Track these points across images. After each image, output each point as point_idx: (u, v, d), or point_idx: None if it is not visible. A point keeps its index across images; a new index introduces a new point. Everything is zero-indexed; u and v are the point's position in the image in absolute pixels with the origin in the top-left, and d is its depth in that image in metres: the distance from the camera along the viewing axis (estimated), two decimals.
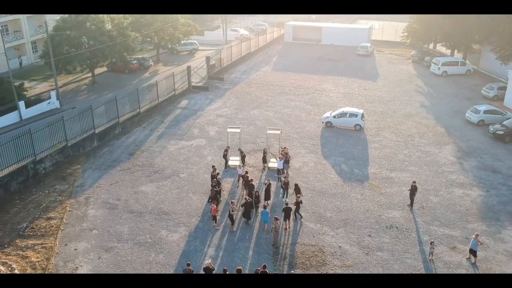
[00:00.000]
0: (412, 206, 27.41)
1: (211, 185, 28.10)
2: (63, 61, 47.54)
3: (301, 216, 26.21)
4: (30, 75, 55.18)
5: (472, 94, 48.49)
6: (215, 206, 25.41)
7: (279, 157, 30.83)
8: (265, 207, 25.55)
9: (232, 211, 25.10)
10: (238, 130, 33.94)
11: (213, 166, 29.57)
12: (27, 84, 48.72)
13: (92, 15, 49.16)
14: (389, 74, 56.95)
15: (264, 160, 31.99)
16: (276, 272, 21.97)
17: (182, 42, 66.28)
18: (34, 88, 50.25)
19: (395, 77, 55.61)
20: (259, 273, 20.21)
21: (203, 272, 20.91)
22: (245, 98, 47.09)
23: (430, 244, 22.97)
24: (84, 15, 48.52)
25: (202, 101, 46.07)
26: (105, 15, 51.43)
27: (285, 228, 25.33)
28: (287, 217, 25.19)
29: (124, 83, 52.59)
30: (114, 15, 52.18)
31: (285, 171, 29.95)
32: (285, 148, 32.34)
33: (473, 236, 22.87)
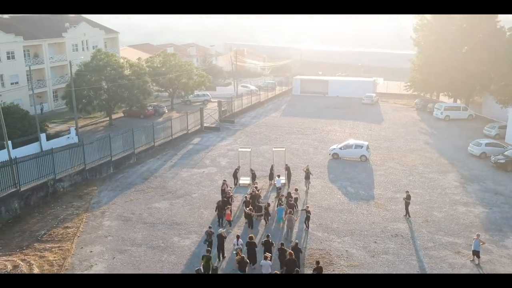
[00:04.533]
0: (408, 215, 28.52)
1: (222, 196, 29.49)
2: (84, 103, 50.47)
3: (307, 226, 27.11)
4: (51, 119, 58.02)
5: (474, 134, 49.94)
6: (229, 212, 26.88)
7: (283, 175, 32.47)
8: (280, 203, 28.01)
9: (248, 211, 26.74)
10: (249, 150, 35.74)
11: (224, 181, 30.93)
12: (47, 124, 51.29)
13: (113, 60, 52.75)
14: (394, 118, 59.03)
15: (271, 177, 33.62)
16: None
17: (196, 93, 69.67)
18: (53, 128, 52.78)
19: (400, 121, 57.61)
20: (263, 242, 22.61)
21: (217, 238, 23.30)
22: (254, 137, 49.05)
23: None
24: (105, 60, 52.11)
25: (214, 139, 48.07)
26: (125, 61, 55.03)
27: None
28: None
29: (139, 126, 54.89)
30: (133, 61, 55.74)
31: (307, 186, 33.20)
32: (306, 165, 34.08)
33: (475, 237, 23.59)
